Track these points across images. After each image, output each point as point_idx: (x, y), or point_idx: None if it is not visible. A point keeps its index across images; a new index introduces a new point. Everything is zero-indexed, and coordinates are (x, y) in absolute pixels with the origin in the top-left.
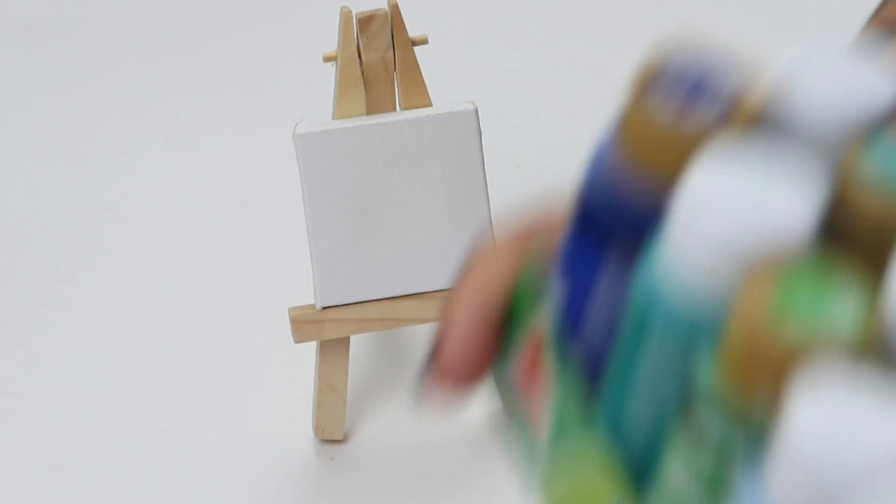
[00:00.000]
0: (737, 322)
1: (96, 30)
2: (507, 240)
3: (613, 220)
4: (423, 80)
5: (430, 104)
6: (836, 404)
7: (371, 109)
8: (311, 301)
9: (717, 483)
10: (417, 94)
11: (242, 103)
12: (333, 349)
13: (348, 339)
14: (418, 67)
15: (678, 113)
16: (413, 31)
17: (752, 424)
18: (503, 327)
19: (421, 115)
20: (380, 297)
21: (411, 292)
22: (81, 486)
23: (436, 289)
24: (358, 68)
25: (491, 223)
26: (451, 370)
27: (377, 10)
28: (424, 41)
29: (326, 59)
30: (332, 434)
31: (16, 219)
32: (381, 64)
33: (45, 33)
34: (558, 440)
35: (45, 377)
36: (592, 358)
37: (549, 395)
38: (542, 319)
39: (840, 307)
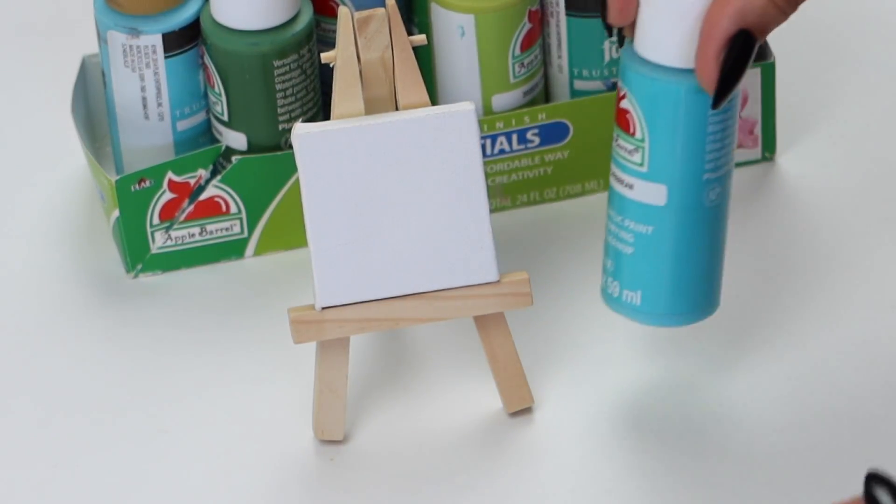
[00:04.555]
0: None
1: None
2: None
3: None
4: (421, 80)
5: (428, 104)
6: None
7: (370, 109)
8: (311, 301)
9: None
10: (416, 93)
11: None
12: (333, 349)
13: (348, 339)
14: (417, 67)
15: None
16: None
17: None
18: None
19: (420, 115)
20: (379, 297)
21: (411, 292)
22: (81, 486)
23: (435, 288)
24: (356, 68)
25: (490, 222)
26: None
27: (375, 10)
28: (423, 41)
29: (325, 60)
30: (332, 434)
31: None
32: (379, 64)
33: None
34: None
35: (45, 377)
36: None
37: None
38: None
39: None
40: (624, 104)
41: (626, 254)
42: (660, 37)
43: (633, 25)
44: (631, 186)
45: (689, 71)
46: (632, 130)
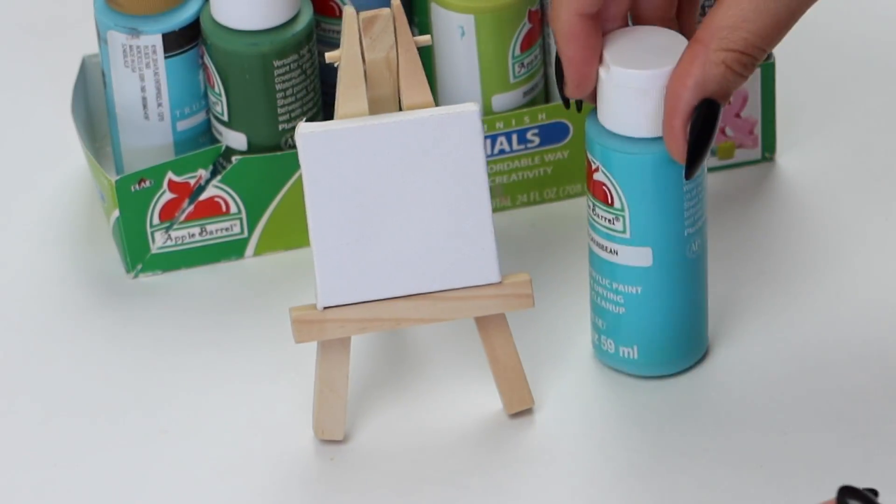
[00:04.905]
0: None
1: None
2: None
3: None
4: (425, 81)
5: (432, 104)
6: None
7: (374, 109)
8: (312, 301)
9: None
10: (420, 94)
11: None
12: (334, 349)
13: (349, 339)
14: (421, 68)
15: None
16: None
17: None
18: None
19: (423, 116)
20: (381, 298)
21: (413, 293)
22: (81, 486)
23: (437, 289)
24: (361, 68)
25: (493, 223)
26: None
27: (380, 10)
28: (427, 42)
29: (330, 60)
30: (332, 434)
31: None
32: (384, 64)
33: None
34: None
35: (45, 377)
36: None
37: None
38: None
39: None
40: (598, 177)
41: (618, 314)
42: (625, 112)
43: (593, 93)
44: (615, 252)
45: (659, 139)
46: (610, 201)
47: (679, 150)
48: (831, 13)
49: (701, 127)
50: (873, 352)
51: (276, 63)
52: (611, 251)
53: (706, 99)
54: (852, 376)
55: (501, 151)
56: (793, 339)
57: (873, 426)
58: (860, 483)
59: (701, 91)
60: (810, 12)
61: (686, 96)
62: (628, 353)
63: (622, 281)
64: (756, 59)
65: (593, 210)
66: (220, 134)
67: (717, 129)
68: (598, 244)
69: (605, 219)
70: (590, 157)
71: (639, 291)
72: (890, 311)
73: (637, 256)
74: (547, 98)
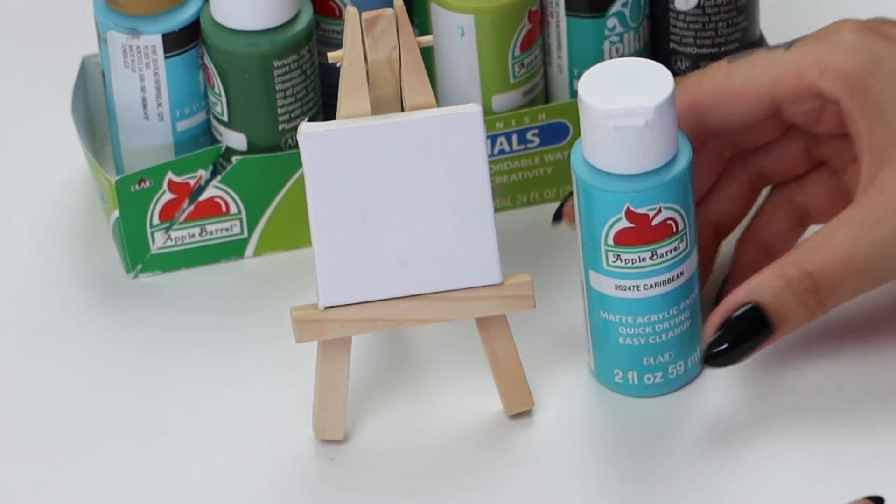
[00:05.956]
0: None
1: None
2: None
3: None
4: (428, 81)
5: (435, 105)
6: None
7: (376, 110)
8: (312, 301)
9: None
10: (423, 94)
11: None
12: (335, 349)
13: (350, 338)
14: (424, 68)
15: None
16: None
17: None
18: None
19: (426, 116)
20: (383, 298)
21: (414, 293)
22: (81, 486)
23: (438, 290)
24: (363, 68)
25: (495, 224)
26: None
27: (383, 10)
28: (430, 42)
29: (332, 60)
30: (332, 434)
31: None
32: (386, 64)
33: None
34: None
35: (45, 377)
36: None
37: None
38: None
39: None
40: (657, 220)
41: (652, 343)
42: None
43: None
44: (650, 286)
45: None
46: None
47: (704, 334)
48: (832, 13)
49: (737, 325)
50: (873, 352)
51: (276, 63)
52: (647, 286)
53: (755, 305)
54: (852, 376)
55: (501, 152)
56: (791, 339)
57: (873, 427)
58: (860, 487)
59: (753, 294)
60: (812, 13)
61: (739, 294)
62: (652, 378)
63: (661, 309)
64: (819, 291)
65: (619, 258)
66: (220, 134)
67: (753, 346)
68: (624, 287)
69: (642, 259)
70: (633, 208)
71: (677, 312)
72: (890, 312)
73: (675, 282)
74: (547, 98)
